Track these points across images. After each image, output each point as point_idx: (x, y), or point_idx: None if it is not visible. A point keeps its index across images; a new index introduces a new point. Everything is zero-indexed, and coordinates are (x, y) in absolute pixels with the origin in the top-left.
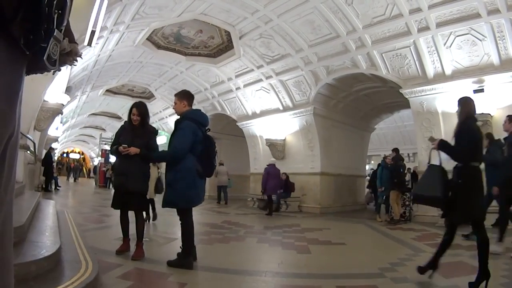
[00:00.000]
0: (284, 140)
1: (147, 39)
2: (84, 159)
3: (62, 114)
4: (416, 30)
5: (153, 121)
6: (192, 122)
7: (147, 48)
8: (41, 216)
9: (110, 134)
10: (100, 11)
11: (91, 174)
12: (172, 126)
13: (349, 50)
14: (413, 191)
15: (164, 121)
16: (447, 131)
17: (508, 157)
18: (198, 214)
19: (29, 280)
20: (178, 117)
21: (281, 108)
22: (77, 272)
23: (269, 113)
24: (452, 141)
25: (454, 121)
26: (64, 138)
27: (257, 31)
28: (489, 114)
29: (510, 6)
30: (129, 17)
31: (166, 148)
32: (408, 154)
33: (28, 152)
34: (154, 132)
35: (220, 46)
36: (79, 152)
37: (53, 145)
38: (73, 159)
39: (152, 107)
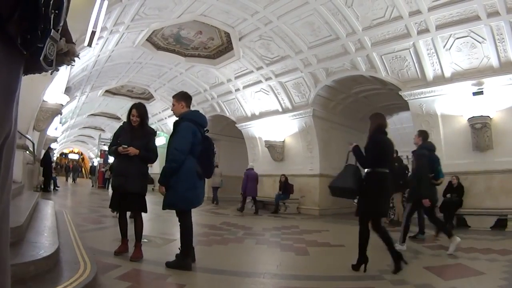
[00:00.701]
0: (283, 141)
1: (146, 40)
2: (83, 159)
3: (61, 114)
4: (416, 32)
5: (152, 122)
6: (191, 123)
7: (147, 49)
8: (40, 216)
9: (109, 134)
10: (100, 12)
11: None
12: (171, 127)
13: (348, 52)
14: (329, 184)
15: (163, 122)
16: (446, 133)
17: (416, 169)
18: (196, 215)
19: (27, 281)
20: (177, 118)
21: (280, 109)
22: (76, 273)
23: (268, 115)
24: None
25: (453, 123)
26: (63, 138)
27: (256, 32)
28: (488, 116)
29: (509, 8)
30: (129, 18)
31: (165, 149)
32: (407, 156)
33: (27, 152)
34: (153, 133)
35: (219, 48)
36: (78, 153)
37: (52, 146)
38: (72, 160)
39: (152, 108)
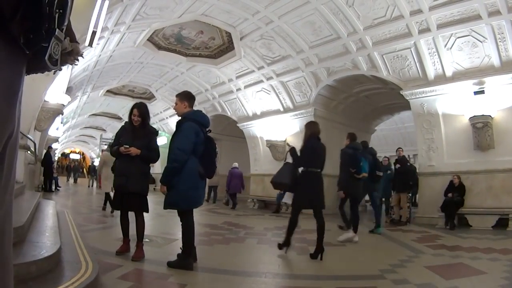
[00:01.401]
0: (285, 141)
1: (148, 39)
2: (84, 159)
3: (62, 114)
4: (417, 32)
5: (154, 122)
6: (194, 123)
7: (148, 48)
8: (41, 216)
9: (111, 134)
10: (101, 12)
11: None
12: (172, 127)
13: (349, 51)
14: (271, 180)
15: (164, 122)
16: (447, 132)
17: (340, 165)
18: (198, 215)
19: (29, 281)
20: (179, 118)
21: (281, 109)
22: (77, 273)
23: (270, 114)
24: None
25: (454, 123)
26: (65, 138)
27: (258, 32)
28: (489, 115)
29: (510, 7)
30: (130, 18)
31: (167, 148)
32: (409, 156)
33: (29, 152)
34: (155, 133)
35: (221, 47)
36: (79, 153)
37: (54, 146)
38: (73, 160)
39: (153, 108)
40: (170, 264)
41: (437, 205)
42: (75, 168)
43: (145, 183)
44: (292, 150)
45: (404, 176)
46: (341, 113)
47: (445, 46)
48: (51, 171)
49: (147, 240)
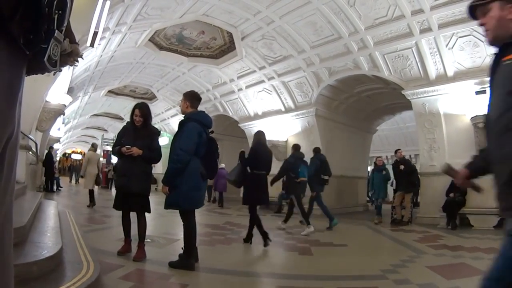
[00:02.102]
0: (286, 141)
1: (149, 40)
2: None
3: (64, 114)
4: (418, 32)
5: (155, 122)
6: (197, 123)
7: (149, 49)
8: (43, 216)
9: (112, 135)
10: (103, 12)
11: None
12: (174, 127)
13: (351, 51)
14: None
15: (166, 122)
16: (449, 132)
17: (284, 171)
18: (199, 215)
19: (31, 281)
20: (182, 118)
21: (283, 109)
22: (79, 273)
23: (271, 114)
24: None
25: (456, 122)
26: (66, 138)
27: (259, 32)
28: None
29: None
30: (131, 18)
31: (168, 149)
32: (410, 156)
33: (30, 152)
34: (157, 133)
35: (222, 47)
36: (81, 153)
37: (55, 146)
38: (74, 160)
39: (154, 108)
40: (172, 264)
41: (438, 205)
42: (76, 169)
43: (147, 183)
44: (240, 153)
45: (410, 176)
46: (343, 113)
47: (447, 46)
48: (52, 171)
49: (148, 240)
